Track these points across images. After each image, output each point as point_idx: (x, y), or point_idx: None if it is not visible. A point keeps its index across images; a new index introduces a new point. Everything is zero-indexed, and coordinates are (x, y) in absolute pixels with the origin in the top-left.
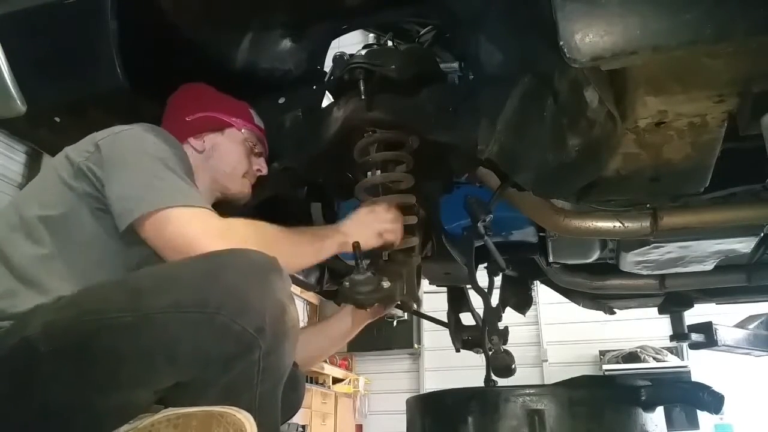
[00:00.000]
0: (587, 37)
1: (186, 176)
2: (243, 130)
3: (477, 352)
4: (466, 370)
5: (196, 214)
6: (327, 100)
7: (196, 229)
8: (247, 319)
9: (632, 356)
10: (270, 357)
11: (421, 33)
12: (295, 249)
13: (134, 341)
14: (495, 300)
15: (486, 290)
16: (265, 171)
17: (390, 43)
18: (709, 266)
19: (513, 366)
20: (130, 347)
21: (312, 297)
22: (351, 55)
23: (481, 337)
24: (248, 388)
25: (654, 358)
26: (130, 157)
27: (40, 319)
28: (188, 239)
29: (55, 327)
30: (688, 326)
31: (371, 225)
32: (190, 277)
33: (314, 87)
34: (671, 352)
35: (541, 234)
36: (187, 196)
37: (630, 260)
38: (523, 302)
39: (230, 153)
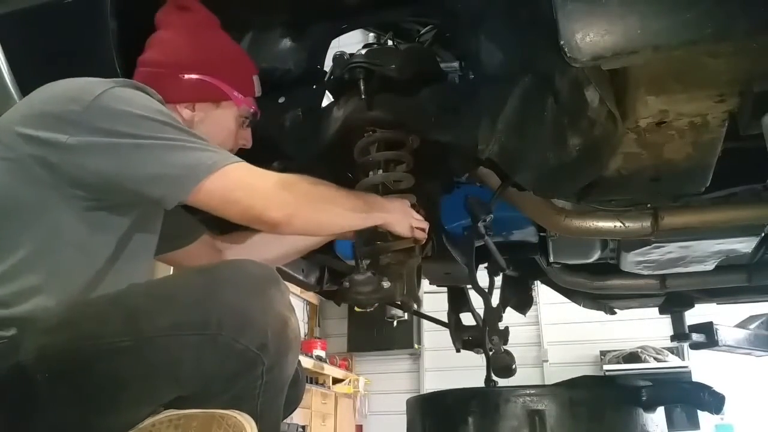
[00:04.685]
0: (588, 37)
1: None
2: (241, 106)
3: (477, 353)
4: (467, 371)
5: (247, 167)
6: (327, 99)
7: (259, 182)
8: (249, 337)
9: (633, 356)
10: (273, 371)
11: (422, 32)
12: (347, 212)
13: (135, 365)
14: (495, 300)
15: (486, 290)
16: (249, 144)
17: (390, 43)
18: (709, 266)
19: (513, 366)
20: (130, 371)
21: (312, 297)
22: (351, 55)
23: (481, 337)
24: (250, 399)
25: (655, 359)
26: (134, 129)
27: (33, 343)
28: (255, 192)
29: (50, 352)
30: (689, 326)
31: (409, 216)
32: (187, 296)
33: (314, 86)
34: (672, 353)
35: (541, 234)
36: (226, 153)
37: (631, 260)
38: (523, 302)
39: (220, 129)
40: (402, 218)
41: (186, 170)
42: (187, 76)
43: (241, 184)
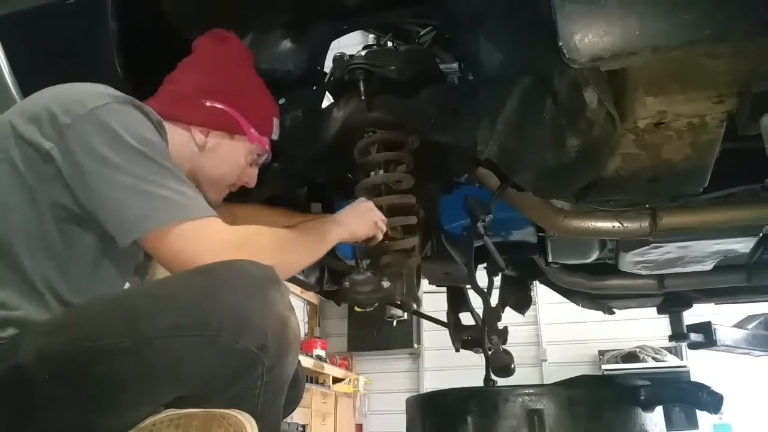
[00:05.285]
0: (587, 38)
1: (175, 168)
2: (255, 143)
3: (476, 352)
4: (466, 370)
5: (207, 227)
6: (327, 100)
7: (209, 246)
8: (249, 338)
9: (631, 356)
10: (273, 371)
11: (421, 33)
12: (304, 251)
13: (135, 366)
14: (494, 300)
15: (485, 290)
16: (252, 184)
17: (390, 44)
18: (708, 266)
19: (512, 366)
20: (130, 372)
21: (312, 297)
22: (351, 56)
23: (480, 336)
24: (250, 399)
25: (653, 358)
26: (112, 155)
27: (32, 344)
28: (201, 257)
29: (49, 353)
30: (687, 326)
31: (367, 215)
32: (187, 297)
33: (314, 87)
34: (670, 352)
35: (540, 234)
36: (194, 206)
37: (629, 260)
38: (522, 302)
39: (228, 161)
40: (361, 223)
41: (137, 217)
42: (208, 103)
43: (188, 247)
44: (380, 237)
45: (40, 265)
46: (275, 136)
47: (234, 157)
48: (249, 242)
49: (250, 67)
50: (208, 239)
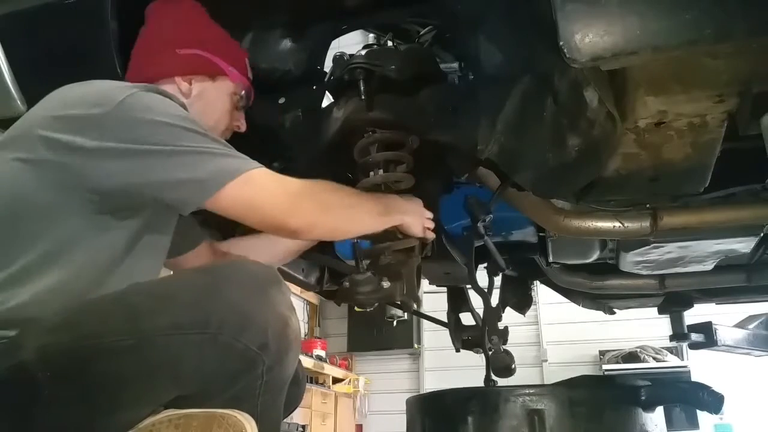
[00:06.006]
0: (587, 37)
1: (212, 134)
2: (237, 82)
3: (477, 352)
4: (466, 370)
5: (269, 174)
6: (327, 100)
7: (280, 190)
8: (249, 337)
9: (632, 356)
10: (273, 370)
11: (421, 33)
12: (367, 217)
13: (136, 364)
14: (495, 300)
15: (486, 290)
16: (243, 128)
17: (390, 44)
18: (708, 266)
19: (513, 366)
20: (132, 370)
21: (312, 297)
22: (351, 56)
23: (481, 337)
24: (250, 398)
25: (654, 358)
26: (156, 136)
27: (34, 342)
28: (276, 200)
29: (52, 352)
30: (688, 326)
31: (422, 216)
32: (188, 295)
33: (314, 87)
34: (671, 352)
35: (540, 234)
36: (249, 159)
37: (630, 260)
38: (523, 302)
39: (216, 105)
40: (417, 219)
41: (208, 175)
42: (183, 51)
43: (263, 192)
44: (429, 240)
45: (68, 259)
46: (250, 74)
47: (220, 100)
48: (317, 193)
49: (208, 18)
50: (278, 186)
